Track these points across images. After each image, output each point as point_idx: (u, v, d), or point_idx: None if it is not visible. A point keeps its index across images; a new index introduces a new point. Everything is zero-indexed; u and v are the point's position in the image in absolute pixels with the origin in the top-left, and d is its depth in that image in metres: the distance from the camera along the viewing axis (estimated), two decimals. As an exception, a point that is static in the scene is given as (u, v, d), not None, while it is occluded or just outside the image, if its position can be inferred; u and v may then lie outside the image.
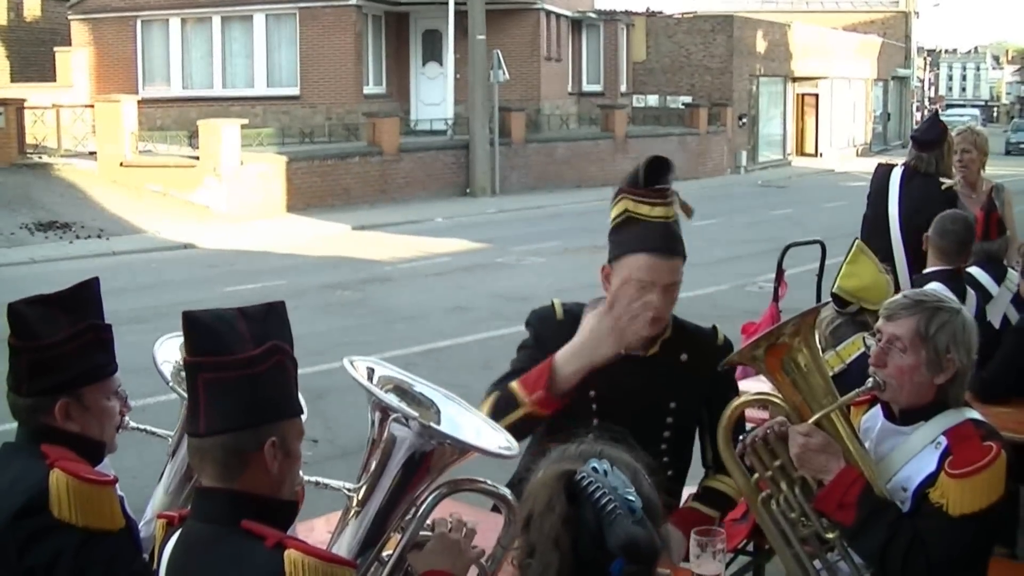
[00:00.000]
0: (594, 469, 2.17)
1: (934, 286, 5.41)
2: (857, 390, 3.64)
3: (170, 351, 3.67)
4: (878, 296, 5.56)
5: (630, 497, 2.16)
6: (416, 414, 2.99)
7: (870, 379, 3.64)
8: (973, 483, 3.38)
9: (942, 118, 8.52)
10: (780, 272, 8.01)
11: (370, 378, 3.10)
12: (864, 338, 5.32)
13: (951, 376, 3.59)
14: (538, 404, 3.80)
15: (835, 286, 5.63)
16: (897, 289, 6.12)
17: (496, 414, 3.73)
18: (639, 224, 3.82)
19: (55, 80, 30.95)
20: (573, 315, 4.03)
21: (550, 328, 4.04)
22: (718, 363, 3.88)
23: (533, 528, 2.19)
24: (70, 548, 3.00)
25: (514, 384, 3.86)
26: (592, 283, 4.02)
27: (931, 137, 7.92)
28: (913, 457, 3.58)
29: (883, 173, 8.12)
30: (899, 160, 8.26)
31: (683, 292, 3.93)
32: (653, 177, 3.85)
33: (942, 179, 7.68)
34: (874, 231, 7.76)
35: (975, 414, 3.65)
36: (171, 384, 3.60)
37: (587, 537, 2.14)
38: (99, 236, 21.94)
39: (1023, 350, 5.84)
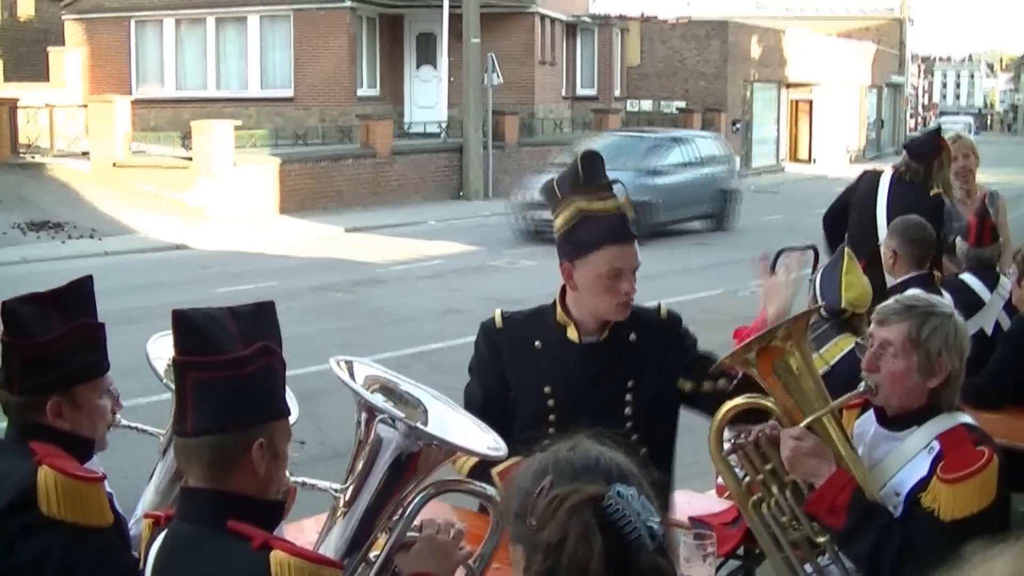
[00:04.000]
0: (619, 494, 2.12)
1: (916, 292, 5.42)
2: (849, 394, 3.64)
3: (163, 348, 3.65)
4: (867, 300, 5.59)
5: (652, 524, 2.13)
6: (402, 415, 2.98)
7: (862, 383, 3.64)
8: (965, 488, 3.38)
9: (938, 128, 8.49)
10: (773, 277, 7.98)
11: (356, 378, 3.09)
12: (857, 342, 5.31)
13: (943, 380, 3.59)
14: None
15: (843, 301, 5.58)
16: (884, 294, 6.12)
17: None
18: (597, 220, 3.93)
19: (48, 80, 30.89)
20: (513, 322, 4.16)
21: (491, 338, 4.17)
22: (664, 335, 4.10)
23: (563, 555, 2.09)
24: (58, 544, 3.00)
25: (497, 475, 3.74)
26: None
27: (924, 151, 7.83)
28: (907, 462, 3.58)
29: (870, 178, 8.12)
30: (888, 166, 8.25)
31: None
32: (591, 173, 3.98)
33: (932, 187, 7.68)
34: (861, 236, 7.74)
35: (968, 418, 3.65)
36: (164, 381, 3.58)
37: (612, 566, 2.11)
38: (91, 236, 21.89)
39: (1016, 357, 5.85)
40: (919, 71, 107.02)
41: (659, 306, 4.23)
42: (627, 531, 2.10)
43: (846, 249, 5.81)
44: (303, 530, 3.76)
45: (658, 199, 22.19)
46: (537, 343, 4.07)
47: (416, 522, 3.02)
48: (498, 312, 4.22)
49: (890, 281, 6.49)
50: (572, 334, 4.05)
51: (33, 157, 25.35)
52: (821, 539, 3.58)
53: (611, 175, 4.05)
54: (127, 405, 3.68)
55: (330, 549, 2.98)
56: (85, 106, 26.70)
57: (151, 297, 15.81)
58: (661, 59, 44.16)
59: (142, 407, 7.69)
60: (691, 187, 24.44)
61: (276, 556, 2.47)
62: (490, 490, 3.10)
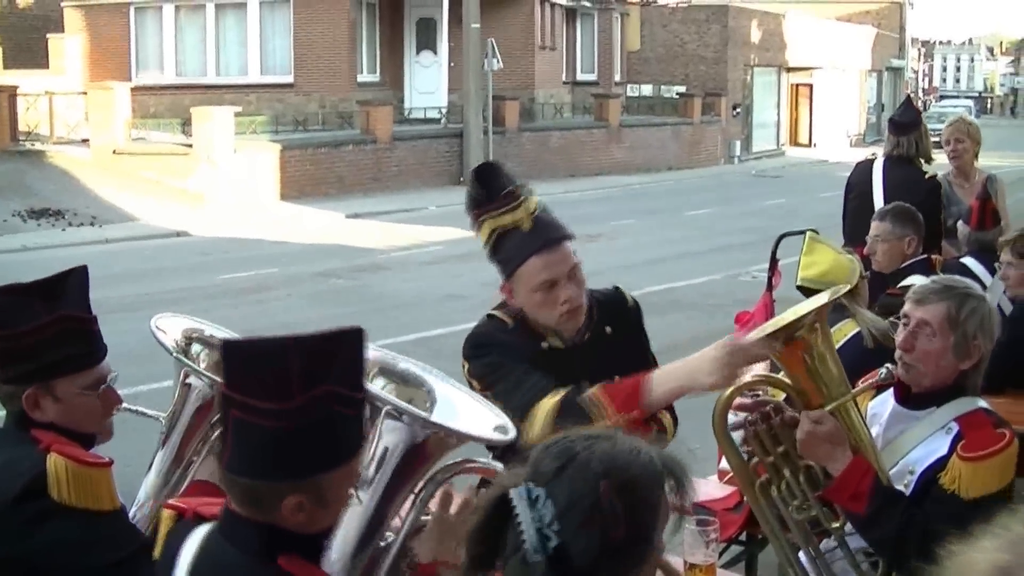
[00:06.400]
0: (528, 492, 2.07)
1: (918, 277, 5.45)
2: (871, 381, 3.68)
3: (168, 324, 3.59)
4: (843, 275, 5.56)
5: (548, 535, 2.04)
6: (407, 405, 2.92)
7: (883, 369, 3.66)
8: (987, 466, 3.42)
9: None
10: (774, 262, 8.01)
11: None
12: (891, 320, 5.32)
13: (975, 363, 3.65)
14: (628, 422, 3.46)
15: (797, 280, 5.61)
16: (883, 282, 6.15)
17: (567, 419, 3.38)
18: (512, 233, 3.77)
19: (48, 67, 30.77)
20: (519, 324, 3.90)
21: (508, 333, 3.89)
22: (633, 322, 4.02)
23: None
24: (73, 530, 3.02)
25: (597, 394, 3.57)
26: (586, 271, 3.97)
27: (908, 119, 8.13)
28: (922, 441, 3.60)
29: (865, 167, 8.23)
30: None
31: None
32: (488, 186, 3.81)
33: (924, 167, 7.81)
34: (861, 222, 7.80)
35: (985, 403, 3.69)
36: (175, 355, 3.51)
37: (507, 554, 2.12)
38: (92, 223, 21.89)
39: (1017, 340, 5.84)
40: (919, 55, 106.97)
41: (618, 290, 4.11)
42: (518, 529, 2.07)
43: (808, 233, 5.83)
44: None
45: None
46: (544, 344, 3.86)
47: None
48: (497, 313, 3.97)
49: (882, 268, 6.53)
50: (556, 342, 3.87)
51: (33, 144, 25.33)
52: (835, 524, 3.57)
53: None
54: (130, 392, 3.68)
55: (344, 541, 2.94)
56: (85, 93, 26.66)
57: (152, 284, 15.81)
58: (661, 44, 44.10)
59: (144, 394, 7.68)
60: None
61: None
62: (499, 466, 3.05)
